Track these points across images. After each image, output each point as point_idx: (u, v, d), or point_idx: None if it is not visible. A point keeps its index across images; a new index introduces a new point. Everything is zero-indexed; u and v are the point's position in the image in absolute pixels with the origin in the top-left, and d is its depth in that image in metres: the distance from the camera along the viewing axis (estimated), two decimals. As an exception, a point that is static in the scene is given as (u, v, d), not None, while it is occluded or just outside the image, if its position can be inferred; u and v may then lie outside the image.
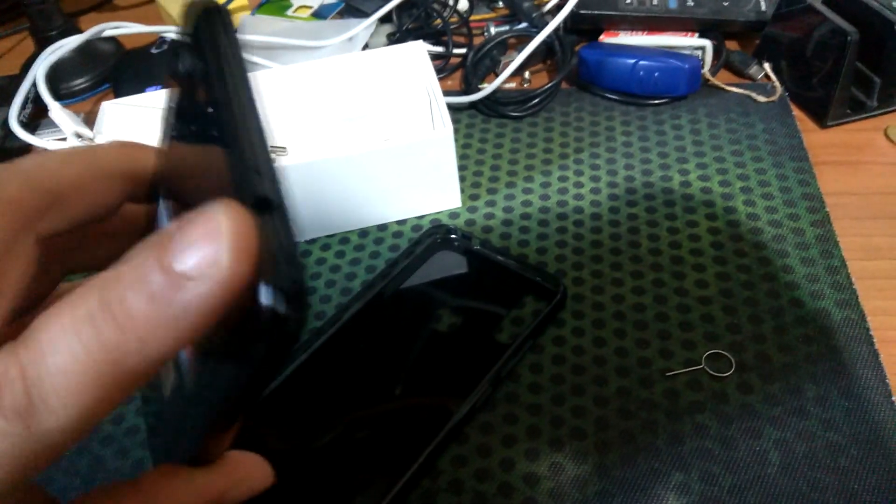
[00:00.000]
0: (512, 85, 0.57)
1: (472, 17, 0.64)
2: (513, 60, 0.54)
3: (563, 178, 0.48)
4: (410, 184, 0.45)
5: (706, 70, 0.55)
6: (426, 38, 0.61)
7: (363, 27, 0.61)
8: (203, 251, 0.13)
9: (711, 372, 0.36)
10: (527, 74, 0.58)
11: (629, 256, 0.43)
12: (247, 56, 0.16)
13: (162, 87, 0.55)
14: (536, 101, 0.54)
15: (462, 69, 0.59)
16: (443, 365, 0.37)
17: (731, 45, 0.59)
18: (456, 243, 0.43)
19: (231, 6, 0.68)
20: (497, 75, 0.55)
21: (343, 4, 0.69)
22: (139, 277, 0.14)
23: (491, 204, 0.47)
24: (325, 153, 0.42)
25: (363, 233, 0.46)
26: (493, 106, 0.54)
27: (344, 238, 0.46)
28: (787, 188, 0.46)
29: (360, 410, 0.36)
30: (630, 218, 0.45)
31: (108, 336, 0.14)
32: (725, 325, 0.38)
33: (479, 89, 0.54)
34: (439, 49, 0.61)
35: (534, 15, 0.59)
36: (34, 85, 0.56)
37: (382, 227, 0.46)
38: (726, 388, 0.36)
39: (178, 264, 0.14)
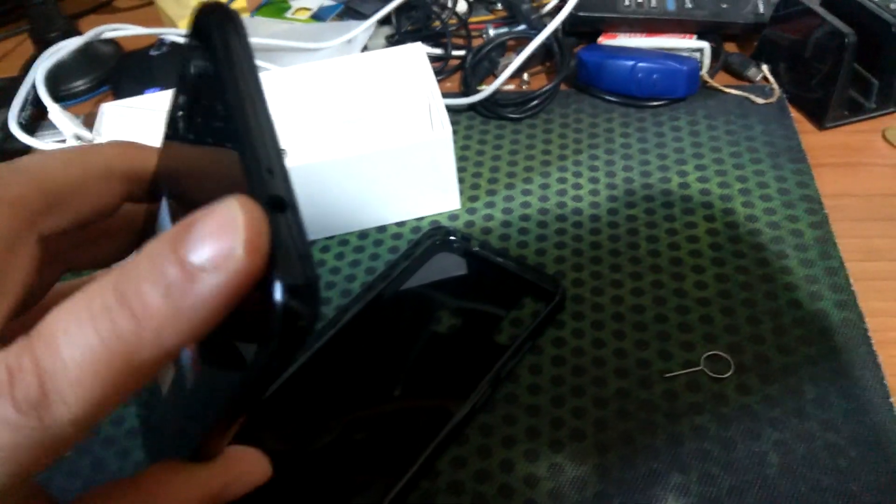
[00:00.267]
0: (511, 87, 0.58)
1: (471, 19, 0.64)
2: (512, 62, 0.54)
3: (561, 180, 0.48)
4: (409, 185, 0.45)
5: (705, 72, 0.55)
6: (425, 40, 0.61)
7: (362, 29, 0.61)
8: (218, 244, 0.14)
9: (710, 373, 0.37)
10: (526, 76, 0.58)
11: (628, 258, 0.43)
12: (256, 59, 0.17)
13: (162, 89, 0.55)
14: (535, 102, 0.54)
15: (461, 71, 0.59)
16: (442, 366, 0.37)
17: (730, 47, 0.59)
18: (455, 245, 0.43)
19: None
20: (496, 77, 0.55)
21: (342, 6, 0.69)
22: (155, 270, 0.14)
23: (490, 206, 0.47)
24: (323, 155, 0.42)
25: (362, 234, 0.46)
26: (492, 108, 0.54)
27: (343, 240, 0.46)
28: (785, 190, 0.46)
29: (359, 411, 0.36)
30: (629, 219, 0.45)
31: (124, 328, 0.14)
32: (724, 326, 0.38)
33: (478, 91, 0.54)
34: (438, 51, 0.61)
35: (533, 17, 0.59)
36: (34, 87, 0.56)
37: (381, 229, 0.46)
38: (725, 389, 0.36)
39: (193, 257, 0.14)
